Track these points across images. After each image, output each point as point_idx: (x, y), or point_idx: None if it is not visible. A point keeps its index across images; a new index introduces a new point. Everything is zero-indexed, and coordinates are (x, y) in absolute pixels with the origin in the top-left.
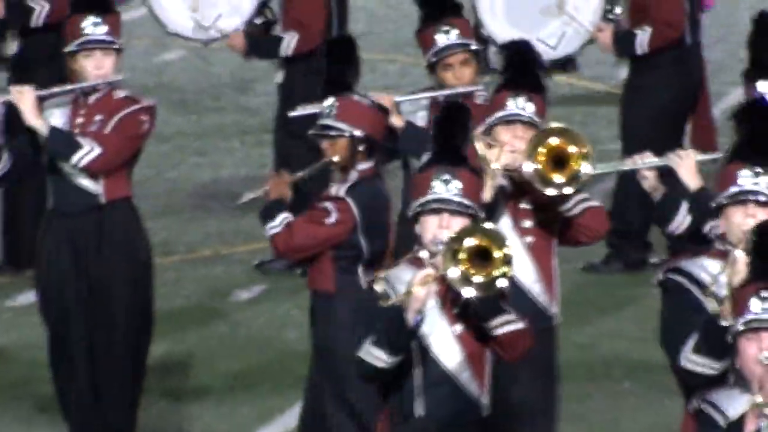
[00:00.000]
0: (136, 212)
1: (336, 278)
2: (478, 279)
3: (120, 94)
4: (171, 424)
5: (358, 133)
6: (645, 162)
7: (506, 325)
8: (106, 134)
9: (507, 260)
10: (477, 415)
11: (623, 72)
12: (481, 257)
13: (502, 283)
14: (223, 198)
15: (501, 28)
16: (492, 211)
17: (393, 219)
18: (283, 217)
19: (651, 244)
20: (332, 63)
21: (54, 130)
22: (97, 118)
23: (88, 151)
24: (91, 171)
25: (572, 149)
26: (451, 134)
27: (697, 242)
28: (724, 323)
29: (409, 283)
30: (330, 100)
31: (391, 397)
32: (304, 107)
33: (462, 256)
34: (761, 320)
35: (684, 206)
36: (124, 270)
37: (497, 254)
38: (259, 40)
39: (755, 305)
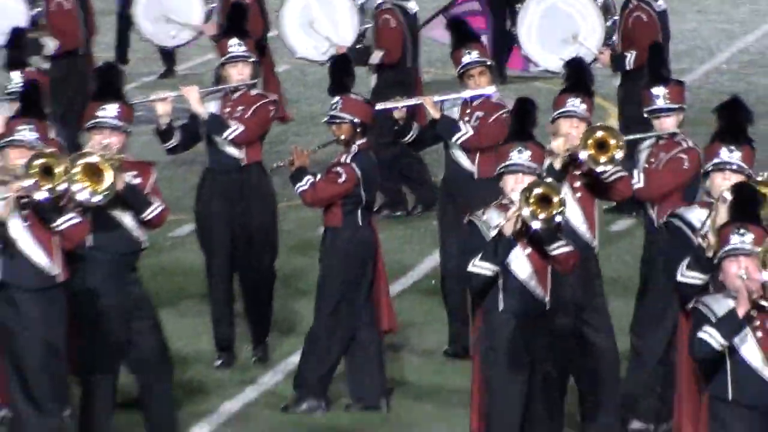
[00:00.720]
0: (265, 171)
1: (342, 218)
2: (542, 216)
3: (254, 92)
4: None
5: (356, 120)
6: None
7: (561, 248)
8: (246, 118)
9: (562, 203)
10: (541, 309)
11: (617, 81)
12: (545, 201)
13: (558, 219)
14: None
15: (534, 50)
16: (559, 174)
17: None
18: (307, 179)
19: None
20: (336, 73)
21: (212, 115)
22: (239, 108)
23: (234, 130)
24: (235, 143)
25: (612, 141)
26: (523, 120)
27: None
28: (708, 252)
29: (506, 217)
30: (336, 98)
31: (486, 298)
32: (384, 103)
33: (532, 200)
34: (738, 248)
35: None
36: (259, 212)
37: (555, 199)
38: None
39: (734, 238)
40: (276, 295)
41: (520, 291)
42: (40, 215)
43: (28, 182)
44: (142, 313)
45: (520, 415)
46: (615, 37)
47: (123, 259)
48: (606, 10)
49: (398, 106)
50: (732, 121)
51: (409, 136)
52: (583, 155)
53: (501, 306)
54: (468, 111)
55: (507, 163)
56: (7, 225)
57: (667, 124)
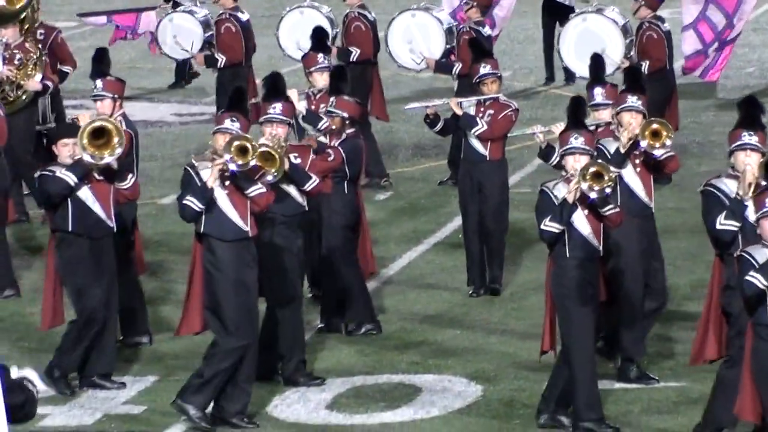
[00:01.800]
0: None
1: (333, 186)
2: (596, 188)
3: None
4: None
5: (345, 114)
6: None
7: (611, 210)
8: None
9: (611, 179)
10: (597, 255)
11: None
12: (598, 177)
13: (608, 190)
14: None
15: (572, 61)
16: (624, 156)
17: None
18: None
19: None
20: (334, 80)
21: (308, 111)
22: (322, 106)
23: (324, 122)
24: (324, 132)
25: (664, 132)
26: (577, 112)
27: None
28: (745, 205)
29: (569, 189)
30: (332, 98)
31: (555, 248)
32: (417, 103)
33: (588, 176)
34: None
35: None
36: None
37: (606, 176)
38: (445, 64)
39: None
40: None
41: (581, 242)
42: (237, 184)
43: (227, 157)
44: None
45: (594, 338)
46: (633, 52)
47: (291, 219)
48: (625, 32)
49: (429, 105)
50: (749, 112)
51: (437, 126)
52: (643, 143)
53: (568, 254)
54: (482, 109)
55: (567, 147)
56: (213, 191)
57: (603, 115)
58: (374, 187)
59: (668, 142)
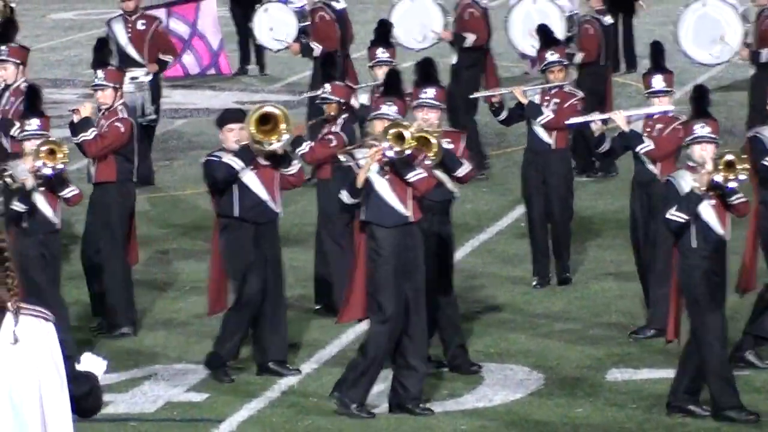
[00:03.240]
0: None
1: (332, 173)
2: (731, 177)
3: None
4: None
5: (341, 100)
6: None
7: (739, 199)
8: None
9: (744, 168)
10: (723, 243)
11: (751, 71)
12: (730, 166)
13: (743, 177)
14: None
15: (689, 47)
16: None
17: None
18: (306, 143)
19: None
20: (324, 67)
21: (364, 106)
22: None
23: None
24: None
25: (739, 165)
26: (701, 101)
27: None
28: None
29: (699, 179)
30: (326, 85)
31: (681, 238)
32: (484, 92)
33: (721, 166)
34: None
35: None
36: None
37: (739, 165)
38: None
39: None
40: None
41: (707, 232)
42: (397, 170)
43: (385, 145)
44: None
45: (724, 326)
46: (750, 38)
47: (441, 205)
48: (744, 18)
49: (493, 93)
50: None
51: (502, 115)
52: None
53: (694, 244)
54: (547, 98)
55: (693, 135)
56: (371, 177)
57: (663, 102)
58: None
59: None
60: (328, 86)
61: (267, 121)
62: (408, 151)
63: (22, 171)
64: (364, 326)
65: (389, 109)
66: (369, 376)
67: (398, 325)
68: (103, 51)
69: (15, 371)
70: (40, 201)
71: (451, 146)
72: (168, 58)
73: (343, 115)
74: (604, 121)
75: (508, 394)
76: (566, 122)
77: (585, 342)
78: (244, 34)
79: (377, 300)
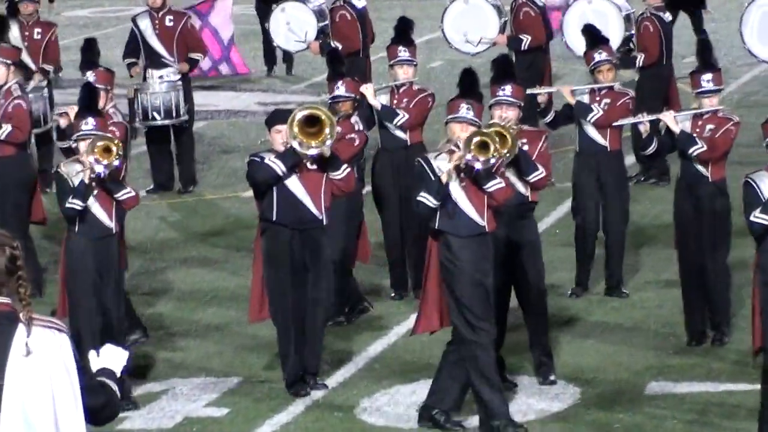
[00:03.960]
0: (425, 149)
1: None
2: None
3: (416, 87)
4: None
5: (356, 97)
6: None
7: None
8: (410, 108)
9: None
10: None
11: None
12: None
13: None
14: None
15: (753, 44)
16: None
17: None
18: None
19: None
20: (332, 63)
21: (384, 106)
22: (405, 100)
23: (401, 117)
24: (402, 127)
25: None
26: None
27: None
28: None
29: None
30: (339, 82)
31: (764, 242)
32: (530, 90)
33: None
34: None
35: None
36: None
37: None
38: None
39: None
40: None
41: None
42: (473, 180)
43: (468, 155)
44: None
45: None
46: None
47: (516, 209)
48: None
49: (541, 92)
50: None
51: (548, 117)
52: None
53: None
54: (597, 99)
55: None
56: (449, 186)
57: (713, 102)
58: None
59: None
60: (341, 84)
61: (313, 124)
62: (492, 161)
63: (76, 170)
64: (392, 337)
65: (468, 113)
66: (489, 386)
67: (487, 333)
68: (91, 51)
69: (28, 383)
70: (93, 203)
71: (526, 147)
72: (197, 56)
73: (356, 112)
74: (652, 122)
75: (543, 408)
76: (614, 123)
77: (623, 354)
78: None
79: (460, 311)
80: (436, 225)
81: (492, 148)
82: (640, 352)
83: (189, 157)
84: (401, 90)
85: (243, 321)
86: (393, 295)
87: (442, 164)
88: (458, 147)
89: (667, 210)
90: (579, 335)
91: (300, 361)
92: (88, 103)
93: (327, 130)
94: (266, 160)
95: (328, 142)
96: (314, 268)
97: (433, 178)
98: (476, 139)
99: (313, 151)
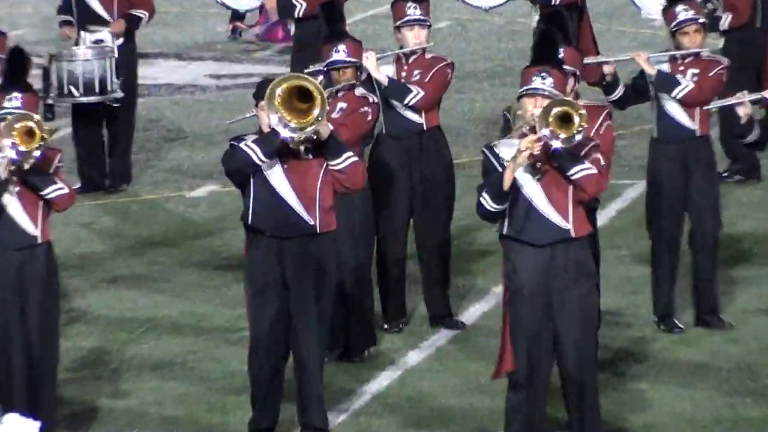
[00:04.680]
0: (443, 135)
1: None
2: None
3: (429, 55)
4: None
5: (358, 63)
6: None
7: None
8: (426, 83)
9: None
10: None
11: None
12: None
13: None
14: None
15: None
16: None
17: None
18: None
19: None
20: (329, 22)
21: (391, 80)
22: (416, 72)
23: (415, 94)
24: (416, 107)
25: None
26: None
27: None
28: None
29: None
30: (341, 45)
31: None
32: (594, 58)
33: None
34: None
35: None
36: (440, 171)
37: None
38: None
39: None
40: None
41: None
42: (555, 164)
43: (545, 130)
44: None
45: None
46: None
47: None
48: None
49: (606, 60)
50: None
51: (615, 93)
52: None
53: None
54: (680, 68)
55: None
56: (518, 178)
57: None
58: None
59: None
60: (341, 46)
61: (304, 99)
62: (578, 138)
63: None
64: (398, 371)
65: (543, 82)
66: None
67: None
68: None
69: None
70: (12, 202)
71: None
72: (141, 13)
73: (361, 80)
74: (755, 102)
75: None
76: (706, 106)
77: (729, 395)
78: None
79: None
80: (505, 229)
81: (576, 121)
82: (754, 397)
83: (123, 147)
84: (411, 59)
85: (190, 359)
86: (387, 326)
87: (508, 152)
88: (531, 130)
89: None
90: (670, 373)
91: (300, 414)
92: (16, 72)
93: (316, 111)
94: (242, 144)
95: (312, 128)
96: (300, 290)
97: (500, 170)
98: (556, 110)
99: (288, 134)
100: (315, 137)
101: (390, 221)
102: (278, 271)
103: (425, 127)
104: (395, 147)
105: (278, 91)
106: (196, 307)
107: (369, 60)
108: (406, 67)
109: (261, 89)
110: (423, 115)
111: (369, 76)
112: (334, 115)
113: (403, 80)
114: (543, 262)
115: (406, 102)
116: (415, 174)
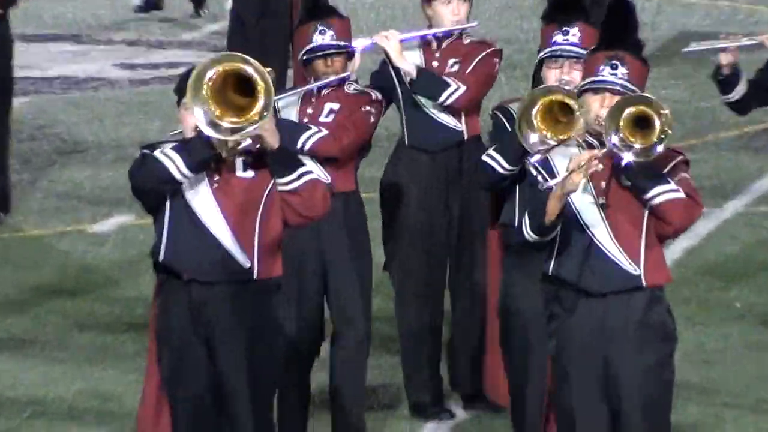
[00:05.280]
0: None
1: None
2: None
3: (467, 39)
4: None
5: (351, 48)
6: None
7: None
8: (467, 75)
9: None
10: None
11: None
12: None
13: None
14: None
15: None
16: None
17: None
18: (314, 129)
19: None
20: None
21: (422, 70)
22: (452, 61)
23: (455, 90)
24: (455, 108)
25: None
26: None
27: None
28: None
29: None
30: (322, 25)
31: None
32: (693, 47)
33: None
34: None
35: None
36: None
37: None
38: None
39: None
40: None
41: None
42: (629, 185)
43: (614, 137)
44: None
45: None
46: None
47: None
48: None
49: (721, 45)
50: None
51: (732, 93)
52: None
53: None
54: None
55: None
56: (573, 203)
57: None
58: None
59: None
60: (325, 26)
61: (243, 91)
62: (659, 149)
63: None
64: None
65: (615, 72)
66: None
67: None
68: None
69: None
70: None
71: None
72: None
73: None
74: None
75: None
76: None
77: None
78: None
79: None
80: (550, 270)
81: (657, 125)
82: None
83: None
84: (445, 44)
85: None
86: (430, 411)
87: (562, 162)
88: (598, 137)
89: None
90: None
91: None
92: None
93: (259, 106)
94: (157, 152)
95: (252, 128)
96: (229, 361)
97: (542, 188)
98: (630, 111)
99: (217, 136)
100: (258, 145)
101: (421, 271)
102: (200, 332)
103: (466, 136)
104: (425, 164)
105: (208, 75)
106: (101, 384)
107: (391, 42)
108: (438, 55)
109: (185, 82)
110: (463, 119)
111: (383, 65)
112: (323, 119)
113: (435, 70)
114: (597, 319)
115: (441, 99)
116: (453, 201)
